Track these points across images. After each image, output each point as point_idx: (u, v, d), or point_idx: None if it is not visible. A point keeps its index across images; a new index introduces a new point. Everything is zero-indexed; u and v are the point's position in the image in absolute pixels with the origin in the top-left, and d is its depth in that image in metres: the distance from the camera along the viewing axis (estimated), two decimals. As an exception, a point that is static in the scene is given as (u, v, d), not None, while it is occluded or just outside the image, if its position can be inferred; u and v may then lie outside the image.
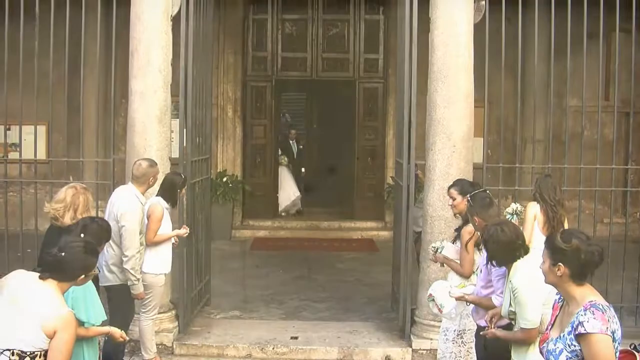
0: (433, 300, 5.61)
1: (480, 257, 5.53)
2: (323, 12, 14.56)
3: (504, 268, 5.01)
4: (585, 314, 3.57)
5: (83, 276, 4.21)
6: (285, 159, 15.48)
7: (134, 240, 6.41)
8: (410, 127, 7.75)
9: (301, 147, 16.12)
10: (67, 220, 5.72)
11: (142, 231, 6.62)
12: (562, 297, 3.87)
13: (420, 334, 7.74)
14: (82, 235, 4.72)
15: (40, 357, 3.99)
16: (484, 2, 7.69)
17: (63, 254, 4.11)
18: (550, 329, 3.88)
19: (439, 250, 6.28)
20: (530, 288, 4.63)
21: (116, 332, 5.03)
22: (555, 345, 3.72)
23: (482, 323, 5.29)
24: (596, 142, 8.03)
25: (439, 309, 5.56)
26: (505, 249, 4.73)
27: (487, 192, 5.58)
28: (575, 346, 3.60)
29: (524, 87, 8.28)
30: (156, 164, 6.93)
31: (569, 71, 7.82)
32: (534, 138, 8.99)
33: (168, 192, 6.98)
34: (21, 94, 7.74)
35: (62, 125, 8.14)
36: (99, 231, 5.02)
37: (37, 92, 7.75)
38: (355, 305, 9.34)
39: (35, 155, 8.08)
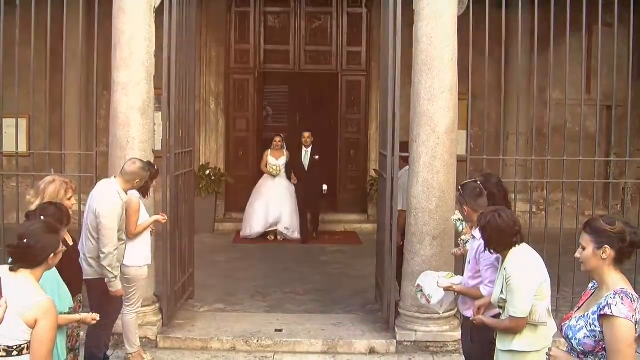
0: (421, 290, 5.59)
1: (469, 248, 5.51)
2: (306, 5, 14.54)
3: (492, 258, 5.03)
4: (614, 298, 3.62)
5: (52, 255, 4.17)
6: (279, 168, 13.10)
7: (112, 237, 6.32)
8: (395, 120, 7.76)
9: (317, 157, 13.00)
10: (34, 207, 5.59)
11: (122, 228, 6.55)
12: (594, 285, 3.91)
13: (405, 326, 7.75)
14: (41, 218, 4.69)
15: (27, 349, 3.95)
16: (466, -5, 7.71)
17: (25, 240, 4.07)
18: (577, 310, 3.91)
19: (467, 245, 6.14)
20: (524, 276, 4.65)
21: (87, 317, 5.00)
22: (577, 322, 3.78)
23: (469, 314, 5.30)
24: (578, 135, 8.06)
25: (427, 300, 5.54)
26: (502, 234, 4.73)
27: (478, 182, 5.57)
28: (596, 326, 3.65)
29: (507, 80, 8.30)
30: (149, 169, 6.83)
31: (551, 64, 7.85)
32: (517, 130, 9.01)
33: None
34: (1, 86, 7.66)
35: (44, 118, 8.06)
36: (57, 213, 4.94)
37: (18, 84, 7.68)
38: (339, 297, 9.35)
39: (16, 148, 8.00)
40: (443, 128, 7.54)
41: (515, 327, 4.68)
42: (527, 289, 4.64)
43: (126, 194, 6.60)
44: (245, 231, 13.05)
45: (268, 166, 13.09)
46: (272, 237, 13.11)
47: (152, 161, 7.52)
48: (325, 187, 13.02)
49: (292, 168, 13.06)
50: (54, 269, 4.63)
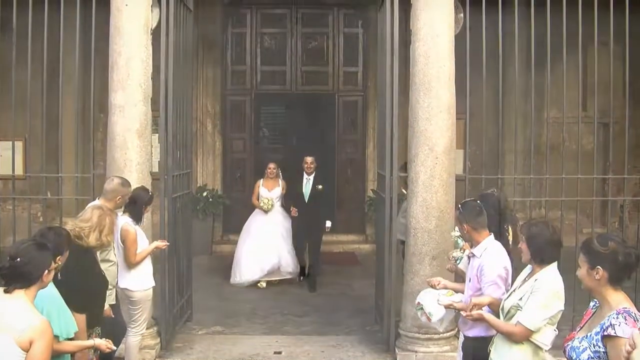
0: (422, 308, 5.55)
1: (469, 266, 5.49)
2: (302, 26, 14.58)
3: (494, 275, 5.05)
4: (617, 318, 3.60)
5: (46, 272, 4.14)
6: (272, 202, 11.18)
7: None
8: (393, 140, 7.75)
9: (320, 187, 11.15)
10: (92, 240, 5.58)
11: (112, 247, 6.49)
12: (596, 304, 3.90)
13: (405, 347, 7.70)
14: None
15: None
16: (462, 15, 7.73)
17: (18, 259, 4.04)
18: (579, 330, 3.89)
19: (458, 261, 6.15)
20: (553, 298, 4.61)
21: (101, 343, 4.96)
22: (580, 343, 3.75)
23: (470, 333, 5.28)
24: (575, 153, 8.07)
25: (428, 318, 5.50)
26: (552, 247, 4.69)
27: (477, 202, 5.56)
28: (600, 347, 3.62)
29: (504, 99, 8.31)
30: (129, 185, 6.79)
31: (548, 83, 7.87)
32: (515, 149, 9.02)
33: (132, 207, 6.83)
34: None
35: (40, 141, 8.04)
36: (56, 239, 4.84)
37: (15, 106, 7.67)
38: (338, 318, 9.28)
39: (13, 171, 7.98)
40: (441, 147, 7.54)
41: (518, 335, 4.65)
42: (550, 307, 4.61)
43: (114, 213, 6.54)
44: (235, 278, 11.10)
45: (259, 199, 11.28)
46: (264, 285, 11.05)
47: (149, 183, 7.50)
48: (329, 223, 11.09)
49: (290, 198, 11.27)
50: (57, 293, 4.60)
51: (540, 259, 4.72)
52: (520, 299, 4.68)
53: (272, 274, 11.07)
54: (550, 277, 4.66)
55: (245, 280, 10.99)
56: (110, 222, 5.74)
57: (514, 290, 4.83)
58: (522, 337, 4.64)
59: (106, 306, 6.35)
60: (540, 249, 4.70)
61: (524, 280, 4.79)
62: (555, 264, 4.73)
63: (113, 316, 6.57)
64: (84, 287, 5.40)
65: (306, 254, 11.32)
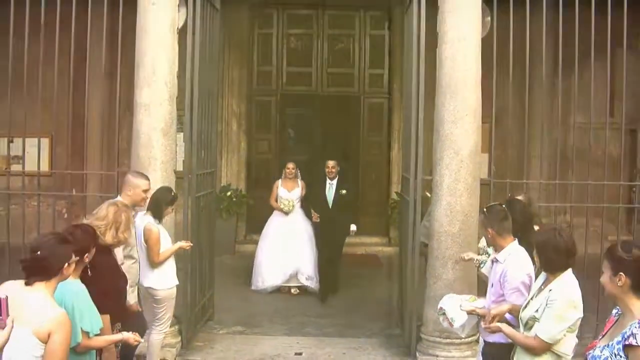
0: (444, 314, 5.51)
1: (492, 271, 5.44)
2: (328, 27, 14.58)
3: (518, 282, 4.99)
4: (639, 327, 3.52)
5: (66, 265, 4.16)
6: (292, 202, 10.82)
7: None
8: (418, 142, 7.72)
9: (343, 191, 10.65)
10: (109, 238, 5.50)
11: (133, 244, 6.51)
12: (618, 312, 3.85)
13: (426, 351, 7.66)
14: None
15: None
16: (489, 19, 7.69)
17: (39, 252, 4.07)
18: (601, 338, 3.84)
19: (482, 265, 6.11)
20: (569, 307, 4.55)
21: (129, 337, 4.98)
22: (601, 352, 3.69)
23: (490, 339, 5.22)
24: (600, 159, 7.98)
25: (450, 323, 5.46)
26: (561, 254, 4.61)
27: (503, 206, 5.51)
28: (621, 357, 3.56)
29: (530, 104, 8.23)
30: (144, 178, 6.74)
31: (575, 88, 7.79)
32: (541, 154, 8.94)
33: (154, 206, 6.83)
34: (25, 106, 7.71)
35: (66, 138, 8.10)
36: (83, 236, 4.84)
37: (41, 103, 7.73)
38: (360, 321, 9.24)
39: (38, 167, 8.04)
40: (466, 151, 7.49)
41: (536, 348, 4.60)
42: (567, 318, 4.54)
43: (134, 210, 6.52)
44: (257, 284, 10.76)
45: (278, 200, 10.88)
46: (286, 289, 10.75)
47: (173, 181, 7.53)
48: (354, 227, 10.76)
49: (312, 203, 10.78)
50: (85, 289, 4.63)
51: (551, 268, 4.66)
52: (537, 310, 4.62)
53: (291, 280, 10.71)
54: (564, 287, 4.58)
55: (268, 286, 10.66)
56: (126, 219, 5.64)
57: (531, 299, 4.77)
58: (542, 350, 4.59)
59: (132, 300, 6.40)
60: (549, 258, 4.64)
61: (540, 289, 4.72)
62: (569, 272, 4.65)
63: (141, 309, 6.63)
64: (109, 286, 5.40)
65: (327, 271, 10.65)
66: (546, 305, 4.56)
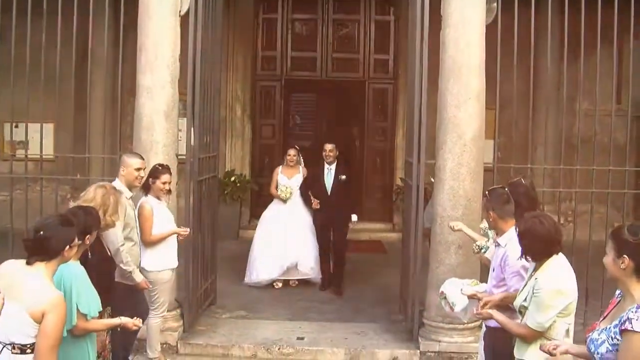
0: (445, 298, 5.49)
1: (494, 255, 5.41)
2: (333, 12, 14.52)
3: (518, 266, 4.93)
4: (636, 312, 3.47)
5: (67, 247, 4.16)
6: (290, 190, 10.17)
7: (116, 234, 6.07)
8: (421, 126, 7.68)
9: (343, 177, 9.98)
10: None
11: (133, 225, 6.48)
12: (620, 294, 3.82)
13: (429, 336, 7.65)
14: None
15: None
16: (495, 4, 7.62)
17: (42, 232, 4.09)
18: (602, 320, 3.82)
19: (483, 250, 6.05)
20: (554, 294, 4.48)
21: (128, 322, 4.96)
22: (599, 335, 3.66)
23: (491, 324, 5.19)
24: (606, 146, 7.94)
25: (451, 308, 5.44)
26: (542, 242, 4.54)
27: (505, 189, 5.47)
28: (618, 340, 3.52)
29: (535, 90, 8.18)
30: (137, 157, 6.71)
31: (581, 74, 7.74)
32: (546, 140, 8.88)
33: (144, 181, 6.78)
34: (27, 91, 7.69)
35: (69, 123, 8.08)
36: (86, 218, 4.82)
37: (44, 88, 7.71)
38: (362, 306, 9.25)
39: (41, 152, 8.02)
40: (470, 135, 7.45)
41: (528, 336, 4.57)
42: (553, 306, 4.48)
43: (131, 191, 6.54)
44: (251, 277, 10.13)
45: (277, 188, 10.33)
46: (280, 285, 10.12)
47: (175, 165, 7.53)
48: (355, 217, 10.05)
49: (311, 189, 10.12)
50: (84, 272, 4.61)
51: (533, 256, 4.61)
52: (525, 299, 4.59)
53: (290, 273, 10.17)
54: (549, 275, 4.52)
55: (262, 279, 10.04)
56: (114, 202, 5.56)
57: (523, 287, 4.73)
58: (532, 337, 4.55)
59: (139, 279, 6.39)
60: (531, 246, 4.56)
61: (530, 277, 4.68)
62: (555, 258, 4.58)
63: (150, 287, 6.65)
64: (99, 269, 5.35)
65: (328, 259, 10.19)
66: (533, 294, 4.52)
